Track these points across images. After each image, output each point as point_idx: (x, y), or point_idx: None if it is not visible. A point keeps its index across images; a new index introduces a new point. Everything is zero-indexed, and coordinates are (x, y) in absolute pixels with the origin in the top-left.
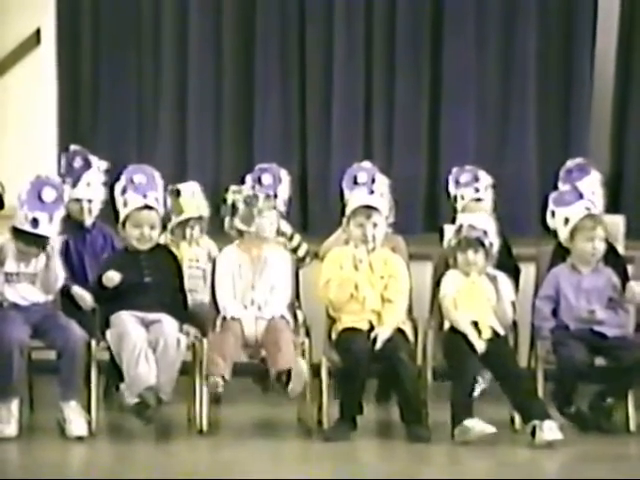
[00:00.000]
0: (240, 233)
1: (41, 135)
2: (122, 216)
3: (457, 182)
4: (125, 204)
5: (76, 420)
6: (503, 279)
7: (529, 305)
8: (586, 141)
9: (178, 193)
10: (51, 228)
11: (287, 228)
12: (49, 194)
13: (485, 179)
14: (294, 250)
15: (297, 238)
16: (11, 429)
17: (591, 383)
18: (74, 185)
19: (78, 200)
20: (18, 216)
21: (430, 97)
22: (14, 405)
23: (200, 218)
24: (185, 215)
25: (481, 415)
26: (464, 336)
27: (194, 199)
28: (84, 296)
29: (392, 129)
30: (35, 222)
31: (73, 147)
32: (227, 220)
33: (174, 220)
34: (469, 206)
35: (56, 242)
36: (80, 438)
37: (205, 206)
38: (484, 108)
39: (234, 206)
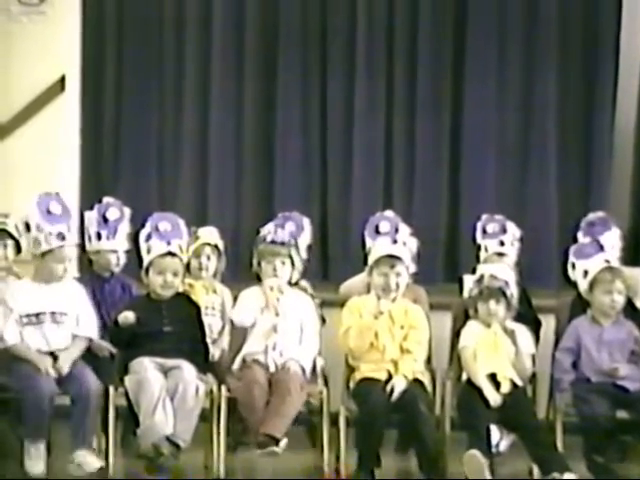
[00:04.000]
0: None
1: (63, 182)
2: (145, 262)
3: (484, 231)
4: (149, 251)
5: (87, 464)
6: (522, 331)
7: (549, 357)
8: (606, 193)
9: (195, 231)
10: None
11: (307, 287)
12: (56, 207)
13: (512, 232)
14: None
15: (316, 301)
16: (39, 468)
17: (614, 436)
18: (113, 237)
19: (111, 251)
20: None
21: (450, 147)
22: (42, 446)
23: (216, 248)
24: (201, 240)
25: (500, 466)
26: (479, 390)
27: (211, 235)
28: (101, 345)
29: (412, 178)
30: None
31: (107, 199)
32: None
33: (190, 249)
34: (491, 259)
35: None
36: None
37: (221, 243)
38: (504, 159)
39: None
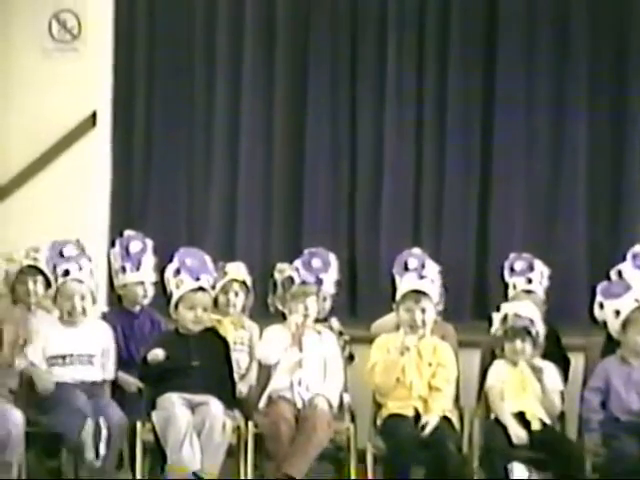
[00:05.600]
0: (281, 312)
1: (93, 217)
2: (175, 297)
3: (512, 269)
4: (178, 286)
5: None
6: (550, 369)
7: (577, 396)
8: (637, 231)
9: (223, 266)
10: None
11: (336, 325)
12: (71, 250)
13: (540, 270)
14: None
15: (345, 337)
16: None
17: None
18: (137, 269)
19: (137, 283)
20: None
21: (480, 185)
22: None
23: (244, 285)
24: (229, 276)
25: None
26: (505, 428)
27: (239, 271)
28: (129, 381)
29: (441, 216)
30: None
31: (128, 232)
32: (270, 296)
33: (218, 285)
34: (520, 296)
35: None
36: None
37: (249, 279)
38: (534, 197)
39: (275, 285)
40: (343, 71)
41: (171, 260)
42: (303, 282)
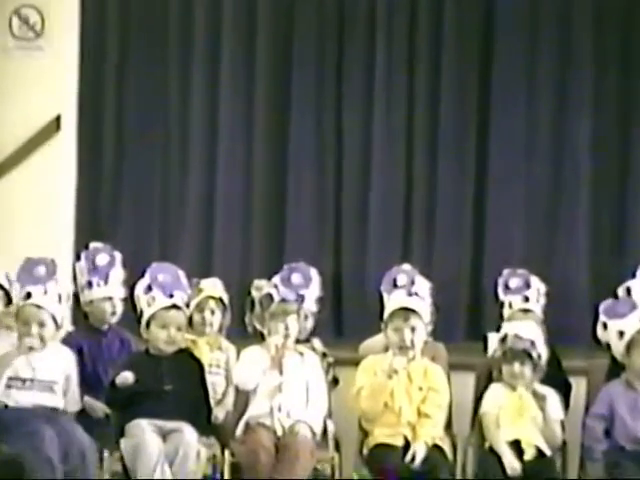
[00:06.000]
0: (259, 332)
1: (57, 228)
2: (146, 316)
3: (506, 286)
4: (149, 303)
5: None
6: (552, 397)
7: (579, 422)
8: None
9: (198, 282)
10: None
11: (319, 345)
12: (40, 270)
13: (537, 287)
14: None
15: (329, 359)
16: None
17: None
18: (104, 284)
19: (105, 299)
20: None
21: (474, 195)
22: None
23: (221, 302)
24: (205, 293)
25: None
26: (500, 458)
27: (216, 288)
28: (95, 406)
29: (433, 229)
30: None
31: (94, 244)
32: (247, 315)
33: (193, 303)
34: (516, 315)
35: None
36: None
37: (225, 296)
38: (532, 208)
39: (252, 303)
40: (328, 70)
41: (142, 275)
42: (283, 300)
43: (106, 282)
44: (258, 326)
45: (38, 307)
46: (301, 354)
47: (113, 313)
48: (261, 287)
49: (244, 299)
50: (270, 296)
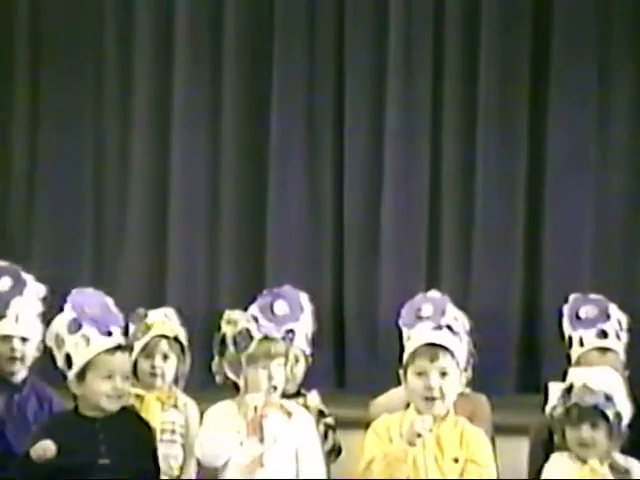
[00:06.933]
0: (232, 382)
1: None
2: (80, 363)
3: (577, 317)
4: (81, 346)
5: None
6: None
7: None
8: None
9: (145, 315)
10: None
11: (315, 401)
12: None
13: (617, 318)
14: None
15: (328, 420)
16: None
17: None
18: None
19: (6, 338)
20: None
21: (527, 191)
22: None
23: (177, 343)
24: (154, 332)
25: None
26: None
27: (167, 321)
28: None
29: (470, 241)
30: None
31: None
32: (215, 359)
33: (138, 345)
34: (590, 357)
35: None
36: None
37: (183, 334)
38: (603, 217)
39: (224, 342)
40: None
41: (61, 308)
42: (266, 337)
43: (4, 313)
44: (231, 375)
45: None
46: (289, 414)
47: (21, 360)
48: (235, 320)
49: (210, 337)
50: (248, 332)
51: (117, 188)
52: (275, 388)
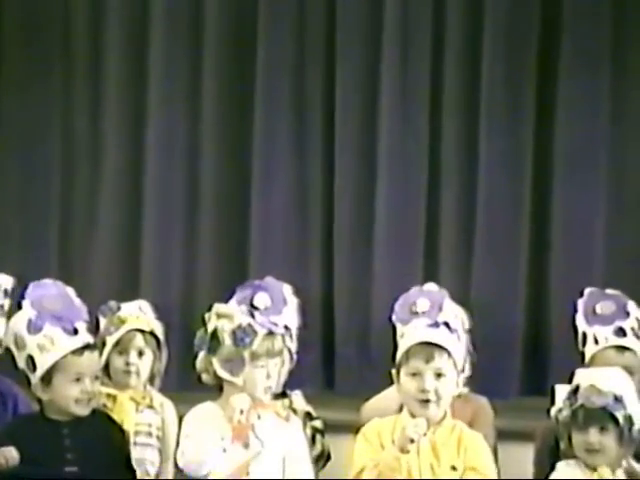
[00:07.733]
0: (219, 382)
1: None
2: (44, 366)
3: (594, 312)
4: (45, 347)
5: None
6: None
7: None
8: None
9: (118, 308)
10: None
11: (300, 403)
12: None
13: (636, 315)
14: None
15: (315, 423)
16: None
17: None
18: None
19: None
20: None
21: (533, 187)
22: None
23: (153, 338)
24: (128, 326)
25: None
26: None
27: (142, 314)
28: None
29: (472, 229)
30: None
31: None
32: (201, 355)
33: (110, 340)
34: (606, 356)
35: None
36: None
37: (160, 329)
38: (619, 204)
39: (216, 337)
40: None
41: (20, 305)
42: (270, 332)
43: None
44: (224, 373)
45: None
46: (275, 417)
47: None
48: (228, 314)
49: (188, 333)
50: (251, 327)
51: (87, 176)
52: (270, 388)
